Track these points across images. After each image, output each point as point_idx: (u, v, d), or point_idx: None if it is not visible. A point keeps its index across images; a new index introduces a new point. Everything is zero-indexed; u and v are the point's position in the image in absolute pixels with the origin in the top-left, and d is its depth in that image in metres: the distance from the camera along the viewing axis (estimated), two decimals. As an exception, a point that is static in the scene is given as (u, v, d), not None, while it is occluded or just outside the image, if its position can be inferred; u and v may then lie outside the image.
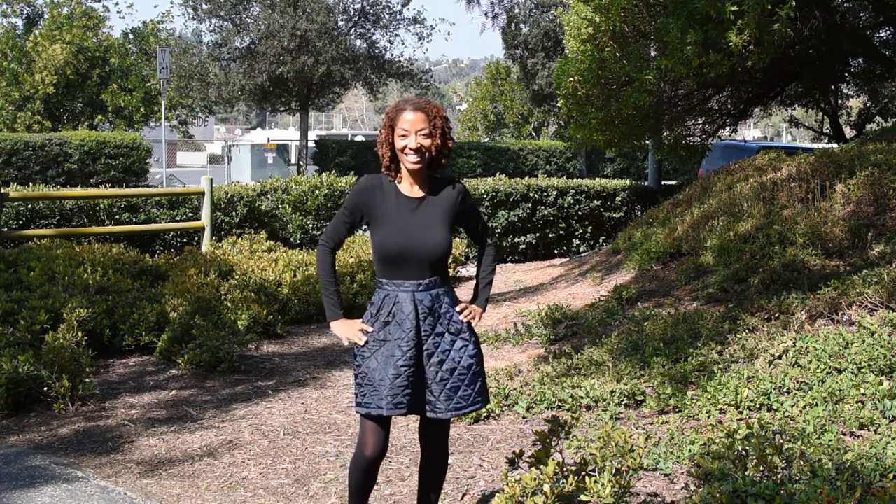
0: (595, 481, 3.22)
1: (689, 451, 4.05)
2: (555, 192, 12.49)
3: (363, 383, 3.06)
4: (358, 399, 3.08)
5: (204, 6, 23.50)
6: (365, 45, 24.80)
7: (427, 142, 3.02)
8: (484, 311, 3.24)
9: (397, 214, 3.06)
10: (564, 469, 3.29)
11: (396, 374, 3.00)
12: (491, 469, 4.23)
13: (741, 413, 4.49)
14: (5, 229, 8.90)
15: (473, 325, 3.17)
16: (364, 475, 3.10)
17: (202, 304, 6.90)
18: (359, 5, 24.65)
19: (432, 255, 3.05)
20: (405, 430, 4.84)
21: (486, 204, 12.02)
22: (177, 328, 6.53)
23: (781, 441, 3.73)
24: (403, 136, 3.01)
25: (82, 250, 8.03)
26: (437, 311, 3.08)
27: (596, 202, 12.81)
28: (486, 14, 24.54)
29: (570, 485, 3.18)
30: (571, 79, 9.89)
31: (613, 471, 3.33)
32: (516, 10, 26.41)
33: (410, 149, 3.00)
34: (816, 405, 4.38)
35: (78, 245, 8.42)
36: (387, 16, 24.98)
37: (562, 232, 12.59)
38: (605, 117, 9.96)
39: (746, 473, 3.34)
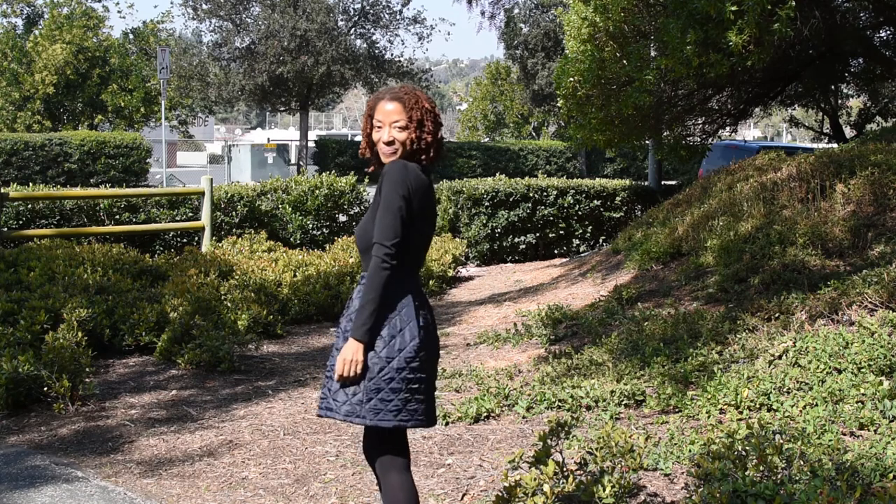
0: (595, 481, 3.22)
1: (689, 451, 4.05)
2: (555, 192, 12.48)
3: None
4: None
5: (204, 6, 23.53)
6: (365, 45, 24.84)
7: (402, 135, 2.80)
8: (361, 341, 2.73)
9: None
10: (564, 469, 3.29)
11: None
12: (491, 469, 4.23)
13: (741, 413, 4.49)
14: (5, 229, 8.90)
15: (340, 370, 2.76)
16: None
17: (202, 304, 6.90)
18: (359, 5, 24.68)
19: (359, 245, 2.90)
20: (405, 430, 4.85)
21: (487, 204, 12.01)
22: (177, 328, 6.53)
23: (781, 441, 3.72)
24: (378, 128, 2.84)
25: (82, 250, 8.03)
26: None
27: (596, 202, 12.81)
28: (482, 13, 24.58)
29: (570, 485, 3.18)
30: (571, 79, 9.89)
31: (613, 471, 3.33)
32: (516, 11, 26.43)
33: (383, 142, 2.83)
34: (816, 405, 4.38)
35: (78, 245, 8.43)
36: (387, 16, 25.03)
37: (562, 232, 12.59)
38: (605, 117, 9.96)
39: (746, 473, 3.34)
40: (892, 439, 3.93)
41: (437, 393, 5.50)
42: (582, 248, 12.73)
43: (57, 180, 20.79)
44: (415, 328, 2.79)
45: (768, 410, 4.49)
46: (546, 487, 3.06)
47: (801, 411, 4.36)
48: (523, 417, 4.96)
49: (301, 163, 25.15)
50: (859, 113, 17.21)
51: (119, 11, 53.01)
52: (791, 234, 6.85)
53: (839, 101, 17.06)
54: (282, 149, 29.35)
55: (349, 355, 2.74)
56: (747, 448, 3.47)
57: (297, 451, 4.61)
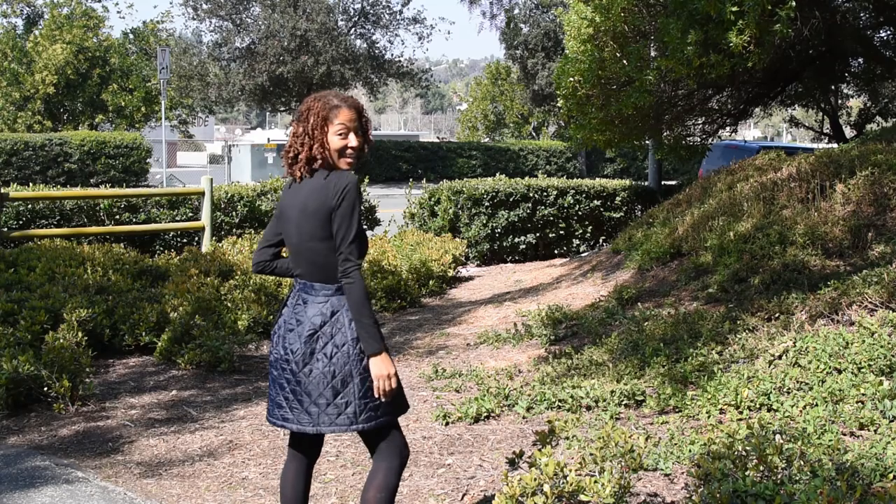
0: (595, 481, 3.22)
1: (689, 451, 4.05)
2: (555, 192, 12.48)
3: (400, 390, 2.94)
4: (401, 409, 2.98)
5: (204, 6, 23.53)
6: (365, 45, 24.84)
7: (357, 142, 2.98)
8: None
9: None
10: (564, 469, 3.29)
11: None
12: (491, 469, 4.23)
13: (741, 413, 4.49)
14: (5, 229, 8.90)
15: None
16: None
17: (202, 304, 6.90)
18: (359, 5, 24.69)
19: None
20: (403, 428, 4.84)
21: (487, 204, 12.01)
22: (177, 328, 6.53)
23: (781, 441, 3.72)
24: (342, 134, 2.94)
25: (82, 250, 8.03)
26: None
27: (596, 202, 12.81)
28: (483, 14, 24.59)
29: (570, 485, 3.18)
30: (571, 79, 9.88)
31: (613, 471, 3.33)
32: (516, 11, 26.43)
33: (352, 147, 2.95)
34: (816, 405, 4.38)
35: (78, 245, 8.43)
36: (387, 16, 25.03)
37: (562, 232, 12.58)
38: (605, 117, 9.95)
39: (746, 473, 3.34)
40: (892, 439, 3.93)
41: (436, 393, 5.51)
42: (582, 248, 12.72)
43: (57, 180, 20.80)
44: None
45: (768, 410, 4.49)
46: (546, 487, 3.06)
47: (801, 411, 4.36)
48: (523, 417, 4.96)
49: (301, 163, 25.15)
50: (859, 113, 17.19)
51: (119, 11, 53.15)
52: (791, 234, 6.85)
53: (839, 101, 17.04)
54: (282, 149, 29.33)
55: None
56: (747, 448, 3.47)
57: (297, 451, 4.60)
